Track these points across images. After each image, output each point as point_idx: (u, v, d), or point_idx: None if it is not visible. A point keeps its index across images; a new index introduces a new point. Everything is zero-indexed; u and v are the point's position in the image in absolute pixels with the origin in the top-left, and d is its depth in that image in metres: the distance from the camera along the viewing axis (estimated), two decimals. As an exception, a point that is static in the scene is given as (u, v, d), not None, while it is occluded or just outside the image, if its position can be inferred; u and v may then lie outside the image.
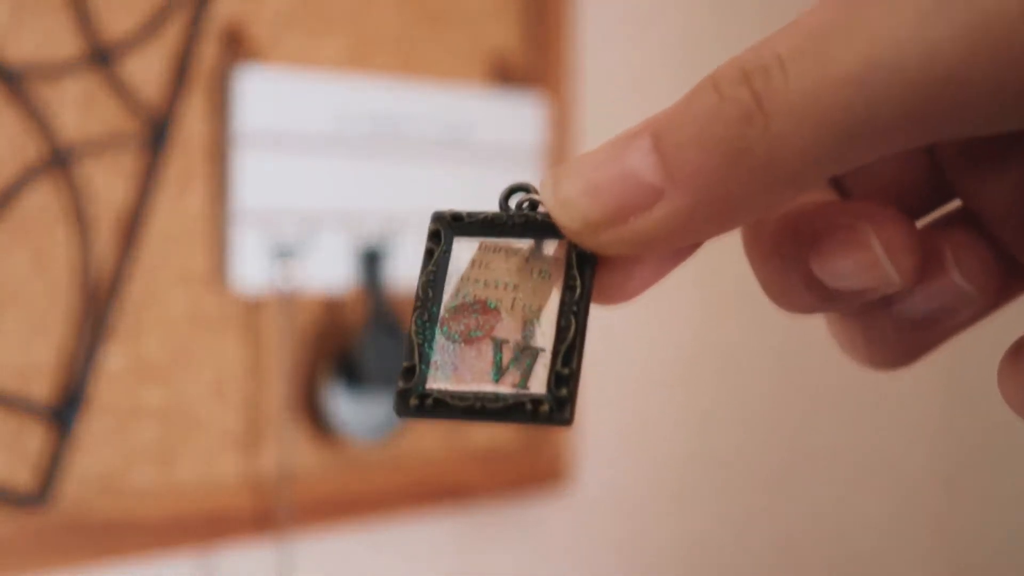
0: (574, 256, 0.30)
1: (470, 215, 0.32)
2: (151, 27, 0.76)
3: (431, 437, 0.90)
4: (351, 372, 0.84)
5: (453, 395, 0.30)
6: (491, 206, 0.32)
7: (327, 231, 0.83)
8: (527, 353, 0.30)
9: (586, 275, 0.30)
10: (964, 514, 1.33)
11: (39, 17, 0.73)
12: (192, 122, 0.78)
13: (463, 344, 0.31)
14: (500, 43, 0.93)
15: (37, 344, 0.73)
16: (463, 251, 0.32)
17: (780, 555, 1.19)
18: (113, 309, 0.75)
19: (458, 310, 0.31)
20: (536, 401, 0.29)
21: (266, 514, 0.81)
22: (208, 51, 0.79)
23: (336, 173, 0.83)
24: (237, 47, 0.80)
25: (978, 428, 1.32)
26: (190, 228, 0.79)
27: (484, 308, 0.31)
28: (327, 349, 0.84)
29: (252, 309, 0.81)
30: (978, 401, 1.31)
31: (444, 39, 0.90)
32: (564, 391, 0.29)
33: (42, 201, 0.73)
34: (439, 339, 0.31)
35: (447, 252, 0.32)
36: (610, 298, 0.31)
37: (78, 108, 0.74)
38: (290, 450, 0.82)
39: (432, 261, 0.32)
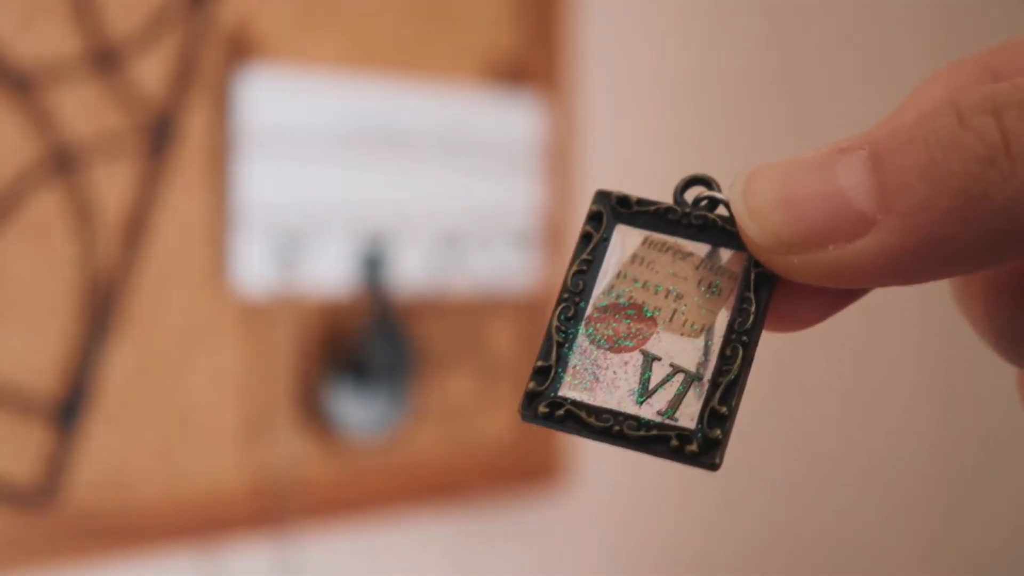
0: (753, 274, 0.26)
1: (640, 202, 0.28)
2: (155, 29, 0.76)
3: (431, 436, 0.90)
4: (352, 372, 0.84)
5: (589, 410, 0.26)
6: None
7: (329, 230, 0.83)
8: (681, 378, 0.26)
9: (762, 299, 0.26)
10: (964, 515, 1.33)
11: (44, 20, 0.73)
12: (195, 123, 0.78)
13: (608, 351, 0.27)
14: (500, 43, 0.93)
15: (41, 344, 0.73)
16: (625, 242, 0.28)
17: (781, 555, 1.20)
18: (117, 309, 0.75)
19: (608, 310, 0.27)
20: (683, 437, 0.26)
21: (267, 513, 0.81)
22: (211, 52, 0.79)
23: (337, 173, 0.83)
24: (240, 48, 0.80)
25: (978, 430, 1.32)
26: (193, 229, 0.79)
27: (639, 314, 0.27)
28: (328, 349, 0.85)
29: (254, 309, 0.81)
30: (978, 403, 1.31)
31: (445, 39, 0.90)
32: (718, 432, 0.25)
33: (47, 202, 0.73)
34: (581, 340, 0.27)
35: (606, 240, 0.28)
36: (782, 326, 0.27)
37: (82, 109, 0.74)
38: (291, 450, 0.83)
39: (588, 248, 0.28)
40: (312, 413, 0.84)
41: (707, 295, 0.27)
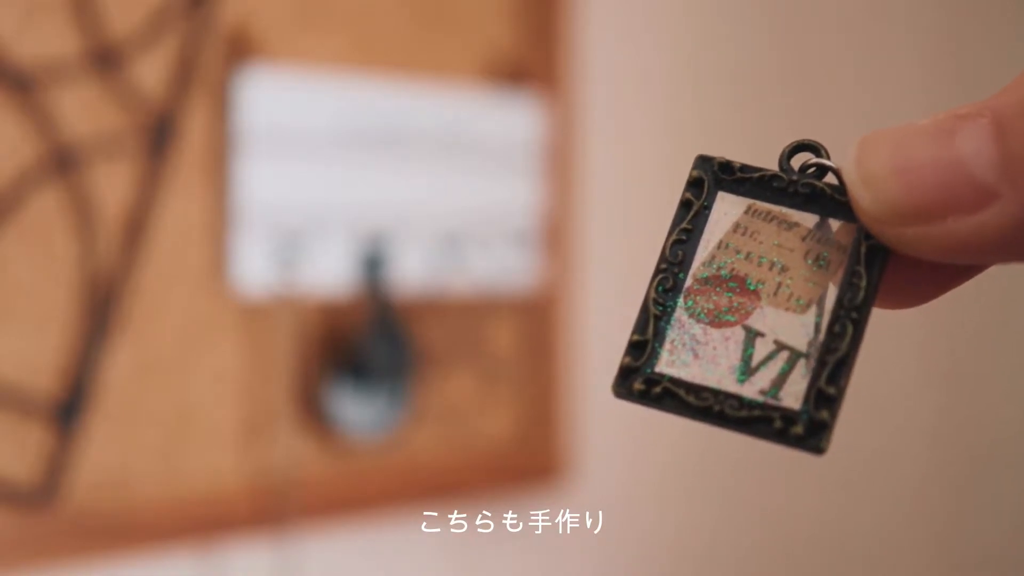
0: (864, 247, 0.25)
1: (744, 169, 0.26)
2: (155, 29, 0.76)
3: (431, 436, 0.90)
4: (352, 372, 0.84)
5: (689, 388, 0.25)
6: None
7: (329, 230, 0.83)
8: (785, 355, 0.25)
9: (874, 273, 0.24)
10: (965, 514, 1.33)
11: (44, 20, 0.73)
12: (195, 123, 0.78)
13: (708, 326, 0.25)
14: (500, 43, 0.93)
15: (41, 343, 0.73)
16: (727, 211, 0.26)
17: (782, 554, 1.20)
18: (117, 309, 0.75)
19: (709, 282, 0.26)
20: (788, 418, 0.24)
21: (268, 512, 0.81)
22: (211, 52, 0.79)
23: (338, 173, 0.83)
24: (240, 48, 0.80)
25: (978, 429, 1.32)
26: (193, 229, 0.79)
27: (742, 287, 0.25)
28: (328, 348, 0.85)
29: (255, 309, 0.81)
30: (978, 402, 1.31)
31: (445, 39, 0.90)
32: (824, 414, 0.24)
33: (47, 202, 0.73)
34: (680, 314, 0.25)
35: (707, 209, 0.26)
36: (894, 303, 0.25)
37: (83, 109, 0.74)
38: (291, 449, 0.83)
39: (688, 216, 0.26)
40: (312, 413, 0.84)
41: (814, 268, 0.25)
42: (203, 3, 0.78)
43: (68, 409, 0.74)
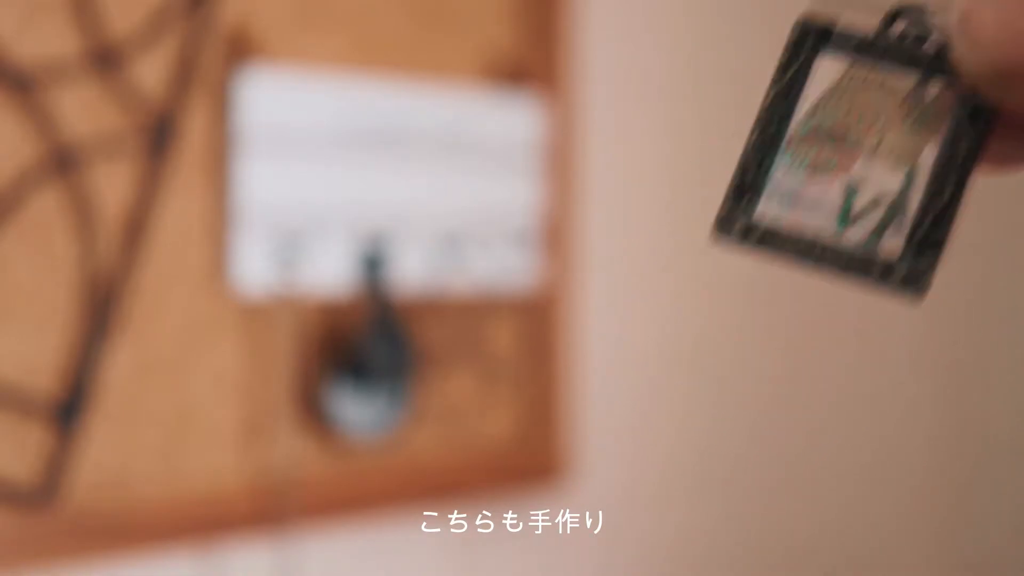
0: (966, 108, 0.25)
1: (844, 31, 0.27)
2: (155, 29, 0.76)
3: (431, 436, 0.90)
4: (352, 372, 0.84)
5: (789, 231, 0.25)
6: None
7: (329, 230, 0.83)
8: (886, 205, 0.25)
9: (977, 132, 0.25)
10: (965, 514, 1.33)
11: (44, 20, 0.73)
12: (195, 123, 0.78)
13: (808, 178, 0.26)
14: (500, 43, 0.93)
15: (42, 343, 0.73)
16: (826, 71, 0.27)
17: (782, 555, 1.20)
18: (117, 309, 0.75)
19: (810, 135, 0.26)
20: (887, 265, 0.25)
21: (268, 512, 0.81)
22: (211, 52, 0.79)
23: (338, 173, 0.83)
24: (240, 48, 0.80)
25: (979, 428, 1.32)
26: (193, 229, 0.79)
27: (842, 141, 0.26)
28: (328, 348, 0.85)
29: (255, 309, 0.81)
30: (978, 401, 1.31)
31: (445, 40, 0.90)
32: (926, 260, 0.24)
33: (47, 202, 0.73)
34: (781, 163, 0.26)
35: (807, 68, 0.27)
36: (1000, 165, 0.25)
37: (82, 109, 0.74)
38: (291, 449, 0.83)
39: (788, 75, 0.27)
40: (312, 413, 0.84)
41: (913, 126, 0.25)
42: (203, 3, 0.78)
43: (68, 409, 0.74)
